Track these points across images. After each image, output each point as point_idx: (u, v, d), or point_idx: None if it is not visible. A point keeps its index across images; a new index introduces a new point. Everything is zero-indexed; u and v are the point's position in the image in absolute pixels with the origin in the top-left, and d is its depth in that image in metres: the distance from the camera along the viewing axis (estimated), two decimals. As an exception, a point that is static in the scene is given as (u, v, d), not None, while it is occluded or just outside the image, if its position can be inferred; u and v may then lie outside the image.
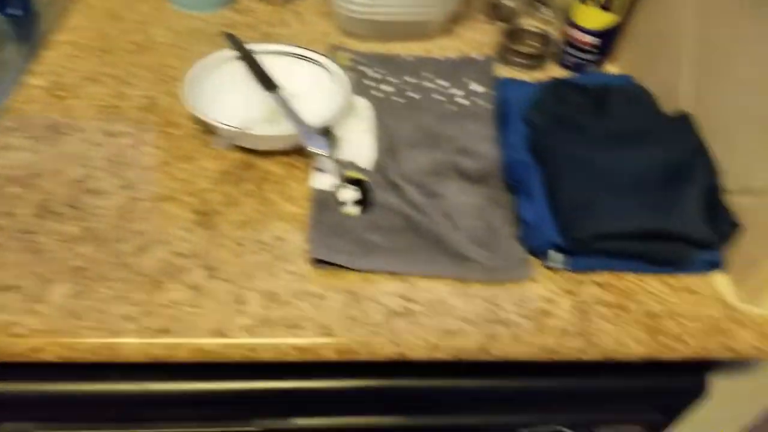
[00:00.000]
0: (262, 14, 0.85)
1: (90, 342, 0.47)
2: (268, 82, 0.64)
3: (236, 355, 0.48)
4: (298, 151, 0.63)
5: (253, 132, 0.58)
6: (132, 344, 0.47)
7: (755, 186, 0.56)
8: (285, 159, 0.63)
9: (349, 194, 0.57)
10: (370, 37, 0.81)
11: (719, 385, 0.65)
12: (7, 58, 0.72)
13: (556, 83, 0.68)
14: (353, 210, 0.56)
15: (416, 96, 0.70)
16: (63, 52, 0.74)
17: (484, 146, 0.63)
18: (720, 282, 0.58)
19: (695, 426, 0.71)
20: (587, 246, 0.55)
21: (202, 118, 0.59)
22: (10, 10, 0.77)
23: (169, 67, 0.73)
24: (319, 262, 0.53)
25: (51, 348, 0.46)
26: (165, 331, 0.47)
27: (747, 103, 0.58)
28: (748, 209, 0.57)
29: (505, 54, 0.79)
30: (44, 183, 0.57)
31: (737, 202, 0.58)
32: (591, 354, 0.52)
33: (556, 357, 0.52)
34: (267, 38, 0.78)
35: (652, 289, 0.56)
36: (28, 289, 0.49)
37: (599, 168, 0.59)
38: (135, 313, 0.48)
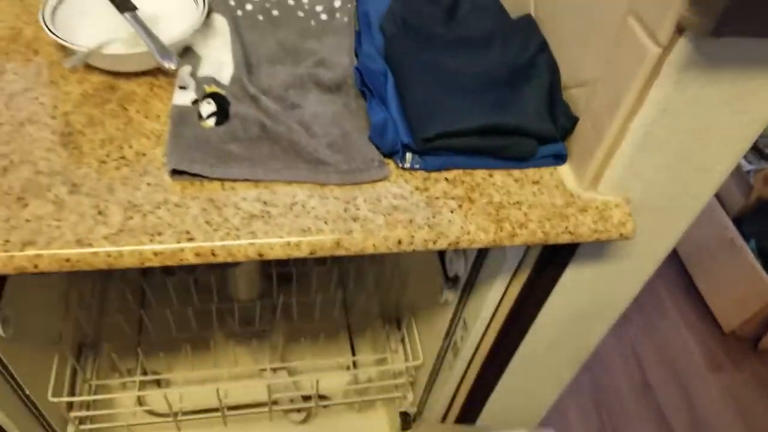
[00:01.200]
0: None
1: (-47, 259, 0.49)
2: (122, 3, 0.65)
3: (100, 263, 0.51)
4: (162, 72, 0.65)
5: (106, 51, 0.59)
6: (-4, 258, 0.49)
7: (585, 78, 0.61)
8: (148, 79, 0.65)
9: (208, 108, 0.60)
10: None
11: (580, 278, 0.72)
12: None
13: (408, -5, 0.71)
14: (211, 122, 0.59)
15: (278, 14, 0.72)
16: None
17: (341, 58, 0.67)
18: (564, 173, 0.64)
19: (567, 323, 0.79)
20: (433, 145, 0.60)
21: (56, 39, 0.60)
22: None
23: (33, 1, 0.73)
24: (178, 174, 0.56)
25: None
26: (30, 244, 0.50)
27: (573, 5, 0.63)
28: (581, 100, 0.62)
29: (371, -29, 0.81)
30: None
31: (574, 95, 0.64)
32: (440, 243, 0.57)
33: (407, 248, 0.57)
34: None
35: (500, 183, 0.62)
36: None
37: (446, 71, 0.64)
38: (0, 228, 0.51)
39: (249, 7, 0.72)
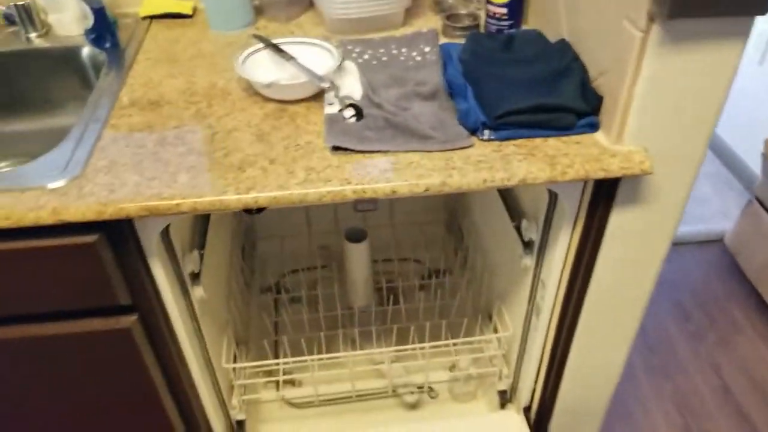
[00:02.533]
0: (275, 29, 1.20)
1: (208, 200, 0.79)
2: (287, 56, 0.98)
3: (294, 200, 0.80)
4: (312, 99, 0.97)
5: (281, 83, 0.92)
6: (232, 198, 0.79)
7: (603, 69, 0.89)
8: (305, 104, 0.97)
9: (349, 113, 0.91)
10: (350, 32, 1.15)
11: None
12: (109, 74, 1.06)
13: (474, 35, 1.02)
14: (352, 120, 0.90)
15: (386, 59, 1.04)
16: (145, 65, 1.09)
17: (433, 78, 0.97)
18: (598, 136, 0.90)
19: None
20: (502, 121, 0.87)
21: (248, 78, 0.93)
22: (105, 45, 1.13)
23: (218, 65, 1.08)
24: (335, 150, 0.86)
25: (186, 204, 0.79)
26: (251, 189, 0.80)
27: (590, 25, 0.92)
28: (603, 85, 0.89)
29: (448, 30, 1.13)
30: (156, 129, 0.91)
31: (598, 83, 0.91)
32: (512, 181, 0.84)
33: (489, 185, 0.84)
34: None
35: (552, 144, 0.88)
36: (163, 178, 0.82)
37: (507, 78, 0.93)
38: (231, 182, 0.81)
39: (366, 56, 1.05)
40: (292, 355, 1.31)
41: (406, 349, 1.26)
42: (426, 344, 1.25)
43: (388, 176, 0.82)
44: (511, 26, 1.13)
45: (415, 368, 1.37)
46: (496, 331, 1.32)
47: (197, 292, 1.02)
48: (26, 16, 1.17)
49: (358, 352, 1.26)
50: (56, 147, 0.88)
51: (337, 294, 1.41)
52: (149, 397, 1.04)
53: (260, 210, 0.92)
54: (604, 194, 0.92)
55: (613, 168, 0.85)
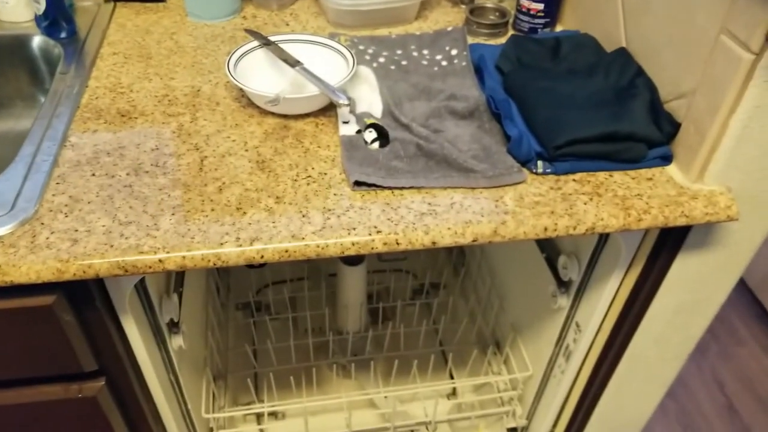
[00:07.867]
0: (265, 18, 1.01)
1: (201, 253, 0.61)
2: (291, 60, 0.80)
3: (311, 252, 0.63)
4: (320, 113, 0.80)
5: (287, 96, 0.74)
6: (232, 252, 0.62)
7: (683, 90, 0.73)
8: (312, 120, 0.79)
9: (370, 135, 0.73)
10: (357, 26, 0.97)
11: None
12: (67, 71, 0.86)
13: (516, 38, 0.85)
14: (375, 146, 0.72)
15: (406, 63, 0.87)
16: (112, 62, 0.89)
17: (468, 91, 0.80)
18: (672, 171, 0.75)
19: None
20: (562, 152, 0.72)
21: (247, 90, 0.75)
22: (61, 35, 0.92)
23: (201, 64, 0.89)
24: (357, 185, 0.69)
25: (172, 260, 0.61)
26: (256, 239, 0.62)
27: (663, 33, 0.76)
28: (682, 109, 0.74)
29: (471, 27, 0.96)
30: (129, 153, 0.72)
31: (674, 106, 0.75)
32: (579, 230, 0.68)
33: (551, 234, 0.68)
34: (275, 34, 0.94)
35: (619, 181, 0.73)
36: (141, 223, 0.63)
37: (562, 95, 0.77)
38: (229, 230, 0.63)
39: (382, 60, 0.87)
40: (277, 385, 1.15)
41: (407, 388, 1.12)
42: (429, 384, 1.10)
43: (426, 222, 0.66)
44: (546, 25, 0.96)
45: (410, 397, 1.22)
46: (507, 363, 1.18)
47: (176, 342, 0.84)
48: (-40, -6, 0.95)
49: (354, 393, 1.11)
50: (0, 173, 0.69)
51: (327, 317, 1.25)
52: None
53: (263, 264, 0.74)
54: (672, 238, 0.78)
55: (695, 214, 0.70)
